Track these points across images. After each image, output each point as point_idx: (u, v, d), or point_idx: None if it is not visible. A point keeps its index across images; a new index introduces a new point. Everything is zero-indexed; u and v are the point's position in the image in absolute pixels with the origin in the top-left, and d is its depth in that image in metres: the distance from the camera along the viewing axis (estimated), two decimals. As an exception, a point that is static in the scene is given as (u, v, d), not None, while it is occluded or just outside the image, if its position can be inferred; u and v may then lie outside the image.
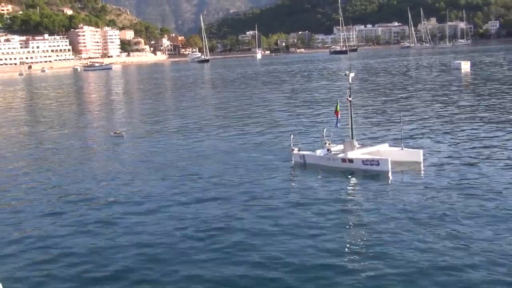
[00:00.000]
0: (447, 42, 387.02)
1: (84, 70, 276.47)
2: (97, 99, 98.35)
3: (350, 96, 30.94)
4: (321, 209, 22.98)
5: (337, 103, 31.91)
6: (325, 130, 32.90)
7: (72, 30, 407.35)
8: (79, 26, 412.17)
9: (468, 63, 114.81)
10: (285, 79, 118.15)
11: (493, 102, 55.06)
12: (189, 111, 64.25)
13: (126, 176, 31.54)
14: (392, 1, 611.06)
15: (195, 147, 39.61)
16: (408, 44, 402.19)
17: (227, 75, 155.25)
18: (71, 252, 20.13)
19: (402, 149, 30.25)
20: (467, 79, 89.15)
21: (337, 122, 31.64)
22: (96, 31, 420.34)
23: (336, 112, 31.45)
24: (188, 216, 23.33)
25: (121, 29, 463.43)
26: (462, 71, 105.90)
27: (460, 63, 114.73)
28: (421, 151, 29.92)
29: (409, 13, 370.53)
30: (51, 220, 23.90)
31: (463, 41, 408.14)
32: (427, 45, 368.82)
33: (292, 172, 30.26)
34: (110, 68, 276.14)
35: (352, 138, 30.67)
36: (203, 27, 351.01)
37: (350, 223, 21.32)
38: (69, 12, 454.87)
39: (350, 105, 30.98)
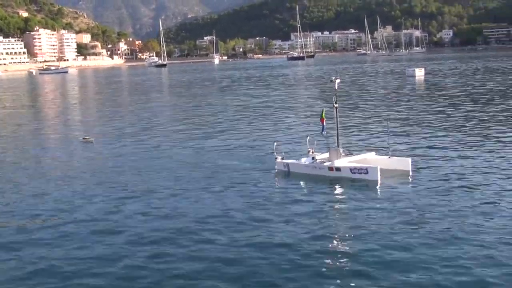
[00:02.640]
0: (403, 50, 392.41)
1: (40, 73, 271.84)
2: (58, 103, 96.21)
3: (336, 103, 30.19)
4: (308, 220, 22.12)
5: (323, 110, 31.17)
6: (308, 137, 32.04)
7: (27, 32, 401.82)
8: (35, 29, 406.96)
9: (422, 70, 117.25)
10: (251, 85, 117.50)
11: (470, 108, 55.23)
12: (157, 117, 63.05)
13: (99, 183, 30.27)
14: (349, 8, 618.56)
15: (168, 154, 38.30)
16: (364, 51, 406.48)
17: (187, 80, 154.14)
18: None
19: (389, 157, 29.53)
20: (422, 86, 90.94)
21: (322, 129, 30.84)
22: (52, 34, 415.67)
23: (322, 119, 30.69)
24: (158, 228, 22.19)
25: (77, 32, 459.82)
26: (416, 78, 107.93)
27: (414, 70, 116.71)
28: (410, 159, 29.27)
29: (365, 21, 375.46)
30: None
31: (418, 48, 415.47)
32: (383, 52, 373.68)
33: (276, 181, 29.19)
34: (66, 72, 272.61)
35: (338, 146, 29.94)
36: (161, 31, 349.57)
37: (338, 234, 20.56)
38: (25, 14, 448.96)
39: (336, 112, 30.23)
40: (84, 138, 46.12)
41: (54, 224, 23.39)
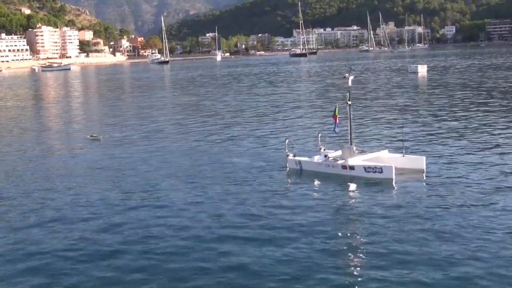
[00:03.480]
0: (406, 46, 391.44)
1: (42, 70, 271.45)
2: (62, 100, 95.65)
3: (349, 100, 29.72)
4: (322, 219, 21.86)
5: (336, 107, 30.69)
6: (319, 135, 31.66)
7: (30, 29, 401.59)
8: (37, 26, 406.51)
9: (425, 66, 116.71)
10: (256, 82, 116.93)
11: (477, 104, 54.83)
12: (163, 114, 62.80)
13: (109, 182, 29.97)
14: (351, 5, 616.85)
15: (176, 151, 37.97)
16: (366, 48, 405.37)
17: (190, 76, 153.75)
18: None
19: (403, 155, 29.13)
20: (424, 82, 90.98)
21: (335, 126, 30.37)
22: (55, 31, 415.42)
23: (335, 116, 30.21)
24: (173, 224, 22.04)
25: (80, 29, 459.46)
26: (419, 74, 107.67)
27: (417, 66, 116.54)
28: (424, 157, 28.83)
29: (368, 17, 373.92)
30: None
31: (420, 45, 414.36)
32: (386, 49, 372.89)
33: (288, 179, 28.83)
34: (69, 69, 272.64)
35: (351, 144, 29.49)
36: (163, 28, 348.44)
37: (353, 234, 20.27)
38: (27, 11, 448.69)
39: (349, 109, 29.79)
40: (91, 136, 45.80)
41: (60, 222, 23.16)
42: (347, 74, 30.11)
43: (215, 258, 18.45)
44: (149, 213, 23.89)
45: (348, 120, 30.04)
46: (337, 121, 30.24)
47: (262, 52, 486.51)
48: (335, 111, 30.28)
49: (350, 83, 29.96)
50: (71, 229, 22.28)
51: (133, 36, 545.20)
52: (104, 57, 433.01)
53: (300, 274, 16.95)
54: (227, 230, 21.12)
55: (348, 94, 29.80)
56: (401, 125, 33.45)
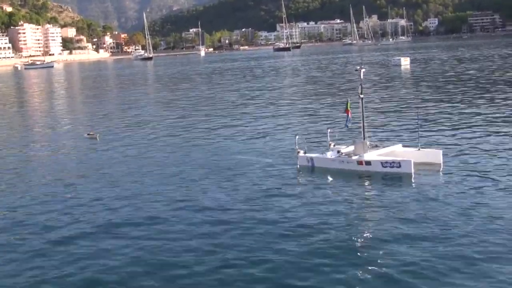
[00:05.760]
0: (390, 39, 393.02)
1: (25, 68, 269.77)
2: (49, 99, 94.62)
3: (361, 93, 28.87)
4: (340, 218, 21.11)
5: (348, 101, 29.82)
6: (328, 130, 30.78)
7: (12, 27, 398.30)
8: (20, 24, 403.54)
9: (408, 59, 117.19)
10: (241, 76, 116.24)
11: (469, 95, 54.52)
12: (160, 111, 61.96)
13: (110, 181, 29.15)
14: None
15: (184, 149, 36.93)
16: (350, 41, 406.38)
17: (176, 72, 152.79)
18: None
19: (419, 149, 28.32)
20: (408, 75, 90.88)
21: (347, 121, 29.48)
22: (37, 29, 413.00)
23: (347, 110, 29.33)
24: (180, 224, 21.40)
25: (62, 26, 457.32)
26: (402, 67, 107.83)
27: (400, 59, 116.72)
28: (441, 151, 28.06)
29: (351, 10, 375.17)
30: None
31: (403, 37, 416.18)
32: (369, 42, 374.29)
33: (300, 177, 27.88)
34: (52, 66, 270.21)
35: (364, 139, 28.63)
36: (146, 24, 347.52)
37: (376, 232, 19.48)
38: (9, 9, 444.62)
39: (362, 103, 28.92)
40: (88, 134, 44.82)
41: (58, 221, 22.64)
42: (358, 67, 29.27)
43: (226, 254, 18.05)
44: (151, 210, 23.30)
45: (361, 114, 29.17)
46: (350, 115, 29.33)
47: (246, 47, 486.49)
48: (347, 105, 29.40)
49: (362, 76, 29.09)
50: (72, 229, 21.67)
51: (116, 33, 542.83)
52: (88, 54, 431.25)
53: (316, 271, 16.51)
54: (239, 228, 20.50)
55: (360, 87, 28.96)
56: (415, 118, 32.63)
